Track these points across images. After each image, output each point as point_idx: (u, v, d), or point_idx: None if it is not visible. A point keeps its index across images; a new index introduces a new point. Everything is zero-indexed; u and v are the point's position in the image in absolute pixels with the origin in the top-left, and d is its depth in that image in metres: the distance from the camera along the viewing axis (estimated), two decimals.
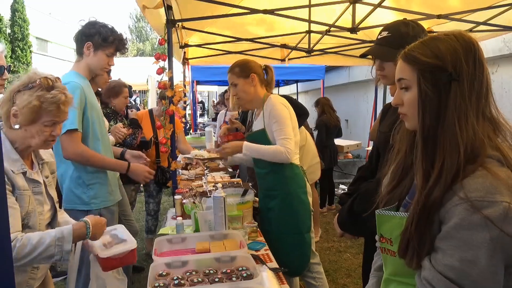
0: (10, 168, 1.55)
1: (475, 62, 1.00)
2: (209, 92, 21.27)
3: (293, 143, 2.45)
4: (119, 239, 1.87)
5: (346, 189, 2.27)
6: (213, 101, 15.84)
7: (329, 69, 10.02)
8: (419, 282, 1.01)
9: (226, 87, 9.78)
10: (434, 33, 1.08)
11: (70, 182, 2.31)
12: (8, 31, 18.15)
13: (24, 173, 1.61)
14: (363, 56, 1.90)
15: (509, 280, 0.95)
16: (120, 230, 1.96)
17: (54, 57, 22.64)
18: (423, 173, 1.02)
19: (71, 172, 2.32)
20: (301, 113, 3.24)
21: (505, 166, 0.96)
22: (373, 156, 1.99)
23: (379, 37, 1.75)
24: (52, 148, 1.96)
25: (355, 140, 8.09)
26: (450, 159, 0.97)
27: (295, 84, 11.46)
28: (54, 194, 1.80)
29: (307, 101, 12.00)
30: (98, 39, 2.36)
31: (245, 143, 2.55)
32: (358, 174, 2.11)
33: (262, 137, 2.53)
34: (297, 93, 11.46)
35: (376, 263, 1.40)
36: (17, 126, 1.58)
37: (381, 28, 1.76)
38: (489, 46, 5.33)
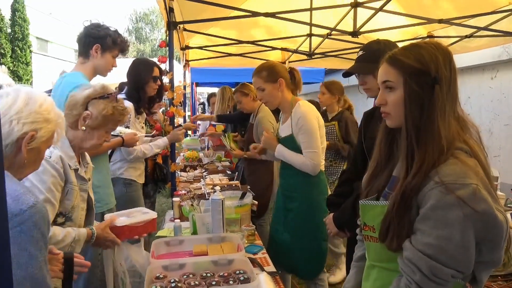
0: (68, 162, 1.69)
1: (451, 68, 1.14)
2: (208, 94, 21.27)
3: (320, 156, 2.46)
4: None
5: (333, 191, 2.31)
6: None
7: (329, 72, 10.00)
8: (401, 263, 1.11)
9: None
10: (416, 40, 1.21)
11: None
12: (9, 30, 18.16)
13: (76, 170, 1.76)
14: (346, 74, 2.01)
15: (480, 256, 1.07)
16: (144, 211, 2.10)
17: (54, 57, 22.64)
18: (406, 165, 1.14)
19: None
20: None
21: (472, 157, 1.09)
22: (358, 159, 2.08)
23: (358, 56, 1.94)
24: None
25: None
26: (432, 151, 1.09)
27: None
28: (92, 195, 1.92)
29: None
30: (108, 41, 2.41)
31: (279, 146, 2.55)
32: (344, 177, 2.21)
33: (291, 143, 2.50)
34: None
35: (357, 254, 1.48)
36: (83, 128, 1.75)
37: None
38: (489, 51, 5.34)
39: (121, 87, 3.12)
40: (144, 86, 3.04)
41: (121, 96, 2.99)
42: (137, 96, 3.01)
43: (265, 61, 5.67)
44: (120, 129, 2.78)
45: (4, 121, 1.14)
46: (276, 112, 3.25)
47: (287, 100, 2.57)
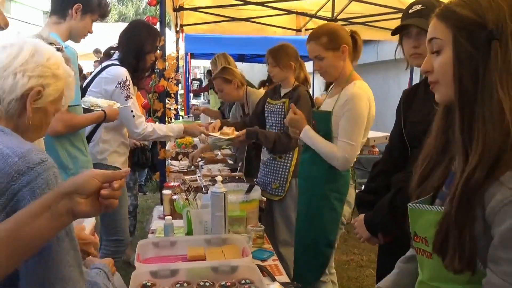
0: None
1: None
2: (205, 68, 21.22)
3: (356, 151, 2.45)
4: None
5: (364, 187, 2.32)
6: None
7: None
8: None
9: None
10: None
11: None
12: None
13: None
14: (397, 30, 1.97)
15: None
16: None
17: (19, 20, 22.59)
18: (462, 151, 1.03)
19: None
20: None
21: None
22: (394, 148, 2.07)
23: (411, 11, 1.91)
24: None
25: (382, 131, 7.98)
26: (493, 132, 0.97)
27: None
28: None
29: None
30: (93, 2, 2.50)
31: (307, 127, 2.53)
32: (377, 169, 2.18)
33: (323, 121, 2.50)
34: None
35: (407, 255, 1.42)
36: None
37: None
38: None
39: (107, 52, 3.10)
40: (145, 55, 3.04)
41: (110, 61, 2.98)
42: (135, 64, 3.00)
43: (274, 27, 5.64)
44: (94, 100, 2.71)
45: (7, 74, 1.18)
46: None
47: (346, 73, 2.54)
